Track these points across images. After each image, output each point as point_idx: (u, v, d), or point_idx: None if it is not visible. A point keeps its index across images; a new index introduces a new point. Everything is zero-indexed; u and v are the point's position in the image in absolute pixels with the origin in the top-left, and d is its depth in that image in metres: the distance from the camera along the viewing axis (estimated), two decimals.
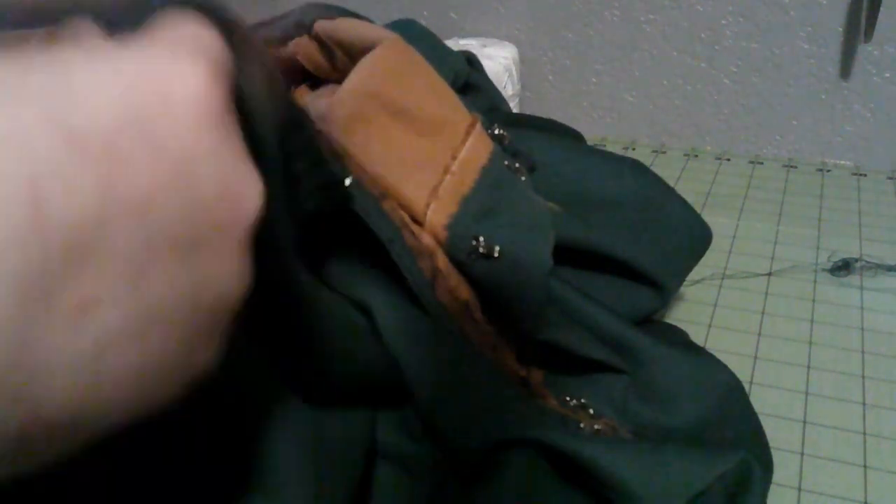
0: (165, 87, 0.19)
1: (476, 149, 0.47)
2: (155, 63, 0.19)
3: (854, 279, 0.71)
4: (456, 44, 1.04)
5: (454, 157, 0.45)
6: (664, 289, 0.55)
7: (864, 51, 0.92)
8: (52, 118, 0.16)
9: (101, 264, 0.16)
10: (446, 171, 0.44)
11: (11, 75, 0.16)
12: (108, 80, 0.18)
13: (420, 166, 0.43)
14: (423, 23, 1.13)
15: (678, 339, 0.57)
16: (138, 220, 0.17)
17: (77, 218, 0.16)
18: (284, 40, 0.52)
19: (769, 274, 0.73)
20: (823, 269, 0.73)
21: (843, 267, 0.72)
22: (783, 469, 0.51)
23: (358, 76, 0.43)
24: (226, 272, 0.20)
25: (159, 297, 0.18)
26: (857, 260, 0.72)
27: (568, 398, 0.44)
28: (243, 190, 0.20)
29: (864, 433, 0.54)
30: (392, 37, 0.47)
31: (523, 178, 0.49)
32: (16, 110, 0.16)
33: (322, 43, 0.51)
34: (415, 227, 0.41)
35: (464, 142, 0.46)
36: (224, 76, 0.21)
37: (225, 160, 0.20)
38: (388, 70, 0.45)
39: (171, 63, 0.19)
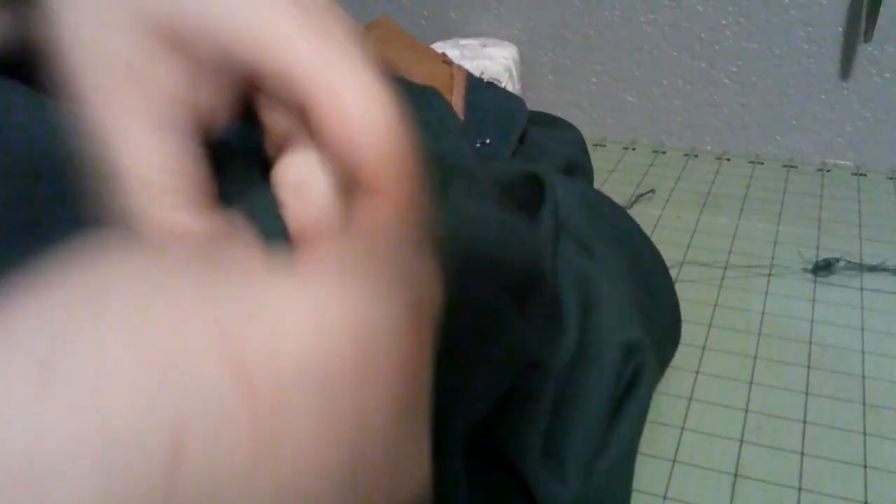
0: (359, 330, 0.15)
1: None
2: (348, 294, 0.15)
3: (854, 280, 0.71)
4: (456, 44, 1.04)
5: None
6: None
7: (864, 51, 0.92)
8: (224, 345, 0.14)
9: None
10: None
11: (193, 287, 0.14)
12: (298, 309, 0.15)
13: None
14: (423, 23, 1.14)
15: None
16: (289, 486, 0.14)
17: (219, 471, 0.13)
18: None
19: (724, 267, 0.73)
20: (805, 269, 0.73)
21: (825, 267, 0.72)
22: (783, 469, 0.51)
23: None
24: None
25: None
26: (838, 259, 0.72)
27: None
28: (411, 471, 0.17)
29: (864, 433, 0.54)
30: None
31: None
32: (187, 329, 0.13)
33: None
34: None
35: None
36: (430, 318, 0.17)
37: (402, 435, 0.16)
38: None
39: (369, 298, 0.15)
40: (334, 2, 0.20)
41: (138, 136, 0.19)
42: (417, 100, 0.49)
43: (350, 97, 0.18)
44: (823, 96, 0.96)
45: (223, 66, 0.20)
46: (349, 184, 0.19)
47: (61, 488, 0.12)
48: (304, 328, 0.14)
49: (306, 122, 0.19)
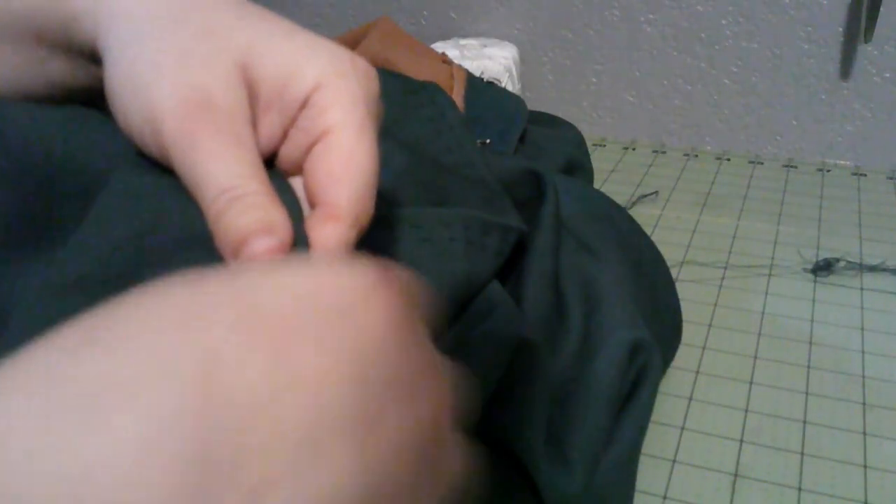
0: (350, 290, 0.19)
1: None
2: (341, 272, 0.20)
3: (854, 280, 0.71)
4: (456, 44, 1.04)
5: None
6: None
7: (864, 51, 0.92)
8: (236, 296, 0.17)
9: (272, 445, 0.16)
10: None
11: (207, 282, 0.18)
12: (294, 278, 0.19)
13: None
14: (423, 23, 1.14)
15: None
16: (310, 398, 0.16)
17: (246, 396, 0.16)
18: None
19: (724, 267, 0.73)
20: (805, 269, 0.73)
21: (825, 267, 0.72)
22: (783, 469, 0.51)
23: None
24: (415, 459, 0.19)
25: (335, 480, 0.17)
26: (838, 259, 0.72)
27: None
28: (429, 382, 0.20)
29: (864, 433, 0.54)
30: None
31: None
32: (202, 291, 0.17)
33: None
34: None
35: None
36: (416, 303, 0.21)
37: (410, 352, 0.19)
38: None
39: (359, 276, 0.20)
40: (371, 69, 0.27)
41: (218, 152, 0.24)
42: (418, 95, 0.49)
43: (358, 149, 0.25)
44: (823, 96, 0.96)
45: (279, 100, 0.26)
46: (314, 205, 0.25)
47: None
48: (299, 284, 0.19)
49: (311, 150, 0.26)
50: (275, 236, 0.23)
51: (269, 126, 0.26)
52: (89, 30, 0.27)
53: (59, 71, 0.30)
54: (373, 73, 0.27)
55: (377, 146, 0.26)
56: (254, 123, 0.25)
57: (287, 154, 0.27)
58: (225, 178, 0.24)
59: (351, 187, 0.25)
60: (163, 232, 0.25)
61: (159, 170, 0.26)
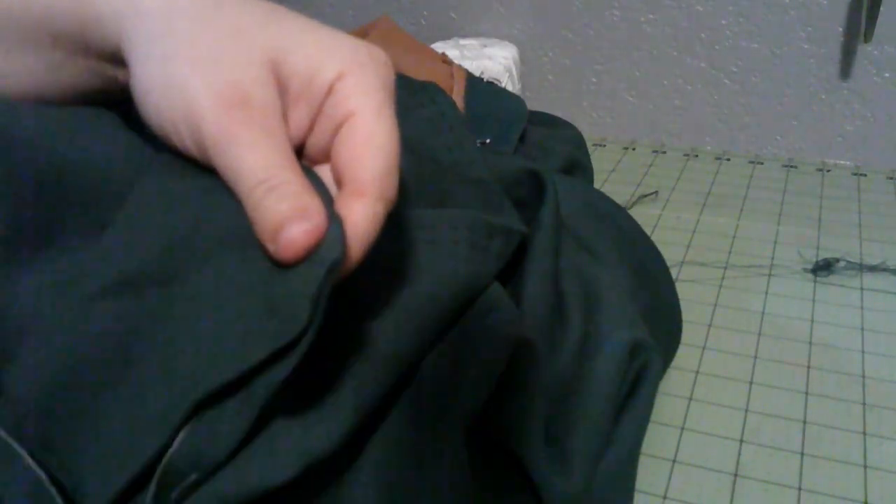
0: None
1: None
2: None
3: (854, 280, 0.71)
4: (456, 44, 1.04)
5: None
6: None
7: (864, 51, 0.92)
8: None
9: None
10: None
11: None
12: None
13: None
14: (423, 23, 1.14)
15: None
16: None
17: None
18: None
19: (724, 267, 0.73)
20: (805, 269, 0.73)
21: (825, 267, 0.72)
22: (783, 469, 0.51)
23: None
24: None
25: None
26: (838, 259, 0.72)
27: None
28: None
29: (864, 433, 0.54)
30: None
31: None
32: None
33: None
34: None
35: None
36: None
37: None
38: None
39: None
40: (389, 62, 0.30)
41: (255, 146, 0.26)
42: (418, 94, 0.49)
43: (378, 129, 0.27)
44: (823, 96, 0.96)
45: (307, 92, 0.28)
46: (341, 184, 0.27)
47: None
48: None
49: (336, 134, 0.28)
50: (310, 220, 0.24)
51: (298, 118, 0.28)
52: (112, 30, 0.28)
53: (73, 75, 0.30)
54: (389, 61, 0.29)
55: (397, 127, 0.28)
56: (285, 116, 0.27)
57: (314, 143, 0.29)
58: (262, 169, 0.25)
59: (374, 164, 0.26)
60: (204, 233, 0.27)
61: (189, 173, 0.28)
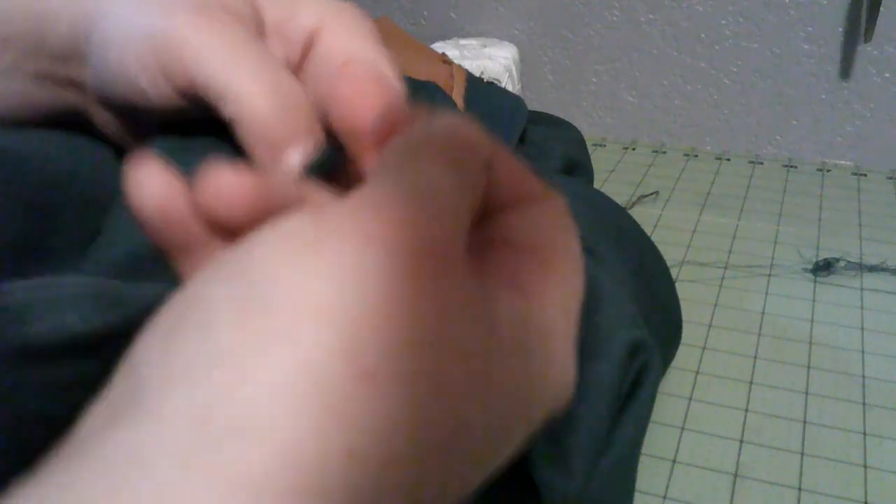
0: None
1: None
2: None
3: (854, 280, 0.71)
4: (456, 44, 1.04)
5: None
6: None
7: (864, 51, 0.92)
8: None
9: None
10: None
11: None
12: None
13: None
14: (423, 23, 1.14)
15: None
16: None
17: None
18: None
19: (724, 267, 0.73)
20: (805, 269, 0.73)
21: (825, 267, 0.72)
22: (783, 469, 0.51)
23: None
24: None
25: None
26: (838, 259, 0.72)
27: None
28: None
29: (864, 433, 0.54)
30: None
31: None
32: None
33: None
34: None
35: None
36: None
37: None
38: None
39: None
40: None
41: (241, 50, 0.24)
42: (418, 94, 0.49)
43: (378, 65, 0.26)
44: (823, 96, 0.96)
45: (279, 33, 0.26)
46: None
47: None
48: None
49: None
50: (314, 136, 0.23)
51: (274, 51, 0.26)
52: (69, 19, 0.26)
53: (24, 82, 0.29)
54: (365, 14, 0.27)
55: (395, 65, 0.26)
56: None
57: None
58: (257, 78, 0.23)
59: (382, 104, 0.23)
60: None
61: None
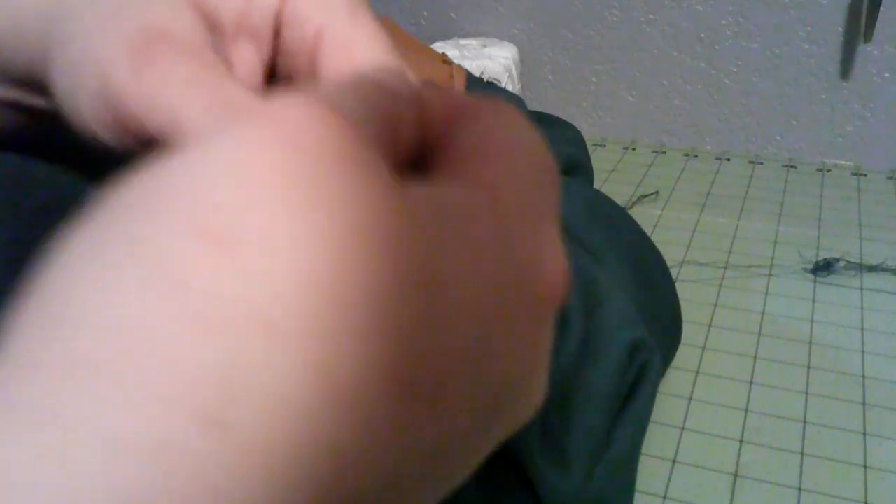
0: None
1: None
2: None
3: (854, 280, 0.71)
4: (456, 44, 1.04)
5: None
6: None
7: (864, 51, 0.92)
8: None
9: None
10: None
11: None
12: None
13: None
14: (423, 23, 1.14)
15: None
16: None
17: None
18: None
19: (724, 267, 0.73)
20: (805, 269, 0.73)
21: (825, 267, 0.72)
22: (783, 469, 0.51)
23: None
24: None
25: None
26: (838, 259, 0.72)
27: None
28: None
29: (864, 433, 0.54)
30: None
31: None
32: None
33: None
34: None
35: None
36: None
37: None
38: None
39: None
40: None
41: (190, 80, 0.21)
42: None
43: (358, 33, 0.22)
44: (823, 96, 0.96)
45: (246, 25, 0.23)
46: None
47: None
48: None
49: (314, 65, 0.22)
50: None
51: (245, 59, 0.23)
52: (35, 37, 0.24)
53: None
54: None
55: (380, 27, 0.23)
56: (225, 57, 0.22)
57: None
58: (205, 108, 0.20)
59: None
60: None
61: None
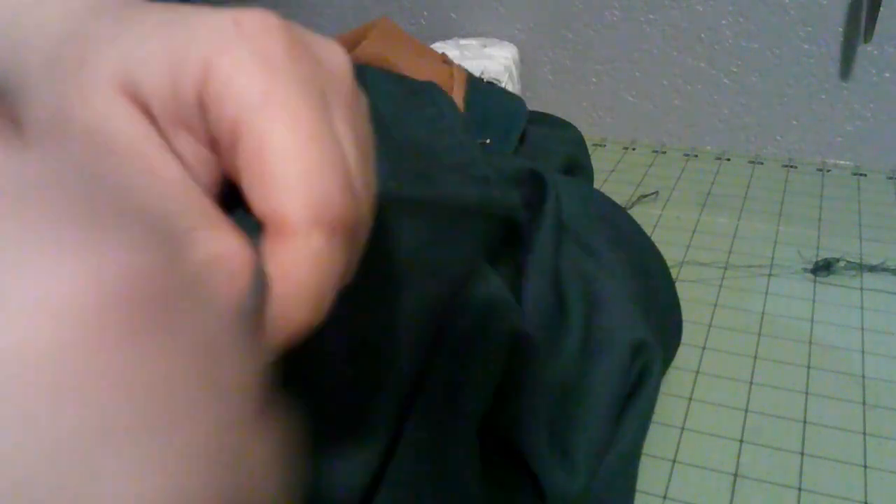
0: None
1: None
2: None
3: (854, 280, 0.71)
4: (456, 44, 1.04)
5: None
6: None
7: (864, 51, 0.92)
8: None
9: None
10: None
11: None
12: None
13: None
14: (423, 23, 1.14)
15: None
16: None
17: None
18: None
19: (724, 267, 0.73)
20: (805, 269, 0.73)
21: (825, 267, 0.72)
22: (783, 469, 0.51)
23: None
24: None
25: None
26: (838, 259, 0.72)
27: None
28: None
29: (864, 433, 0.54)
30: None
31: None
32: None
33: None
34: None
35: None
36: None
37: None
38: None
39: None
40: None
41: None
42: (419, 95, 0.49)
43: (279, 129, 0.18)
44: (823, 96, 0.96)
45: (176, 109, 0.19)
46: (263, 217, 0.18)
47: None
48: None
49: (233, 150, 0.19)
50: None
51: (189, 151, 0.20)
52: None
53: None
54: (276, 22, 0.19)
55: (322, 112, 0.19)
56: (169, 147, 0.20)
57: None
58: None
59: (287, 184, 0.18)
60: None
61: None
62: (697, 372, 0.60)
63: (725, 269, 0.74)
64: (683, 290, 0.64)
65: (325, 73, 0.20)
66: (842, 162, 0.98)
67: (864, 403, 0.56)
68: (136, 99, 0.19)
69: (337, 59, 0.20)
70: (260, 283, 0.18)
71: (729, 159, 1.00)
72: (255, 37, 0.19)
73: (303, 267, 0.18)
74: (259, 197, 0.18)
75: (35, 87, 0.21)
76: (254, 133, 0.18)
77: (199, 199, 0.19)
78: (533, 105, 1.10)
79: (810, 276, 0.72)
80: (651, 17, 1.00)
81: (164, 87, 0.19)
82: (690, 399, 0.58)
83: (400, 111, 0.46)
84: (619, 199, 0.74)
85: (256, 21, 0.19)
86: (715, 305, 0.68)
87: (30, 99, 0.21)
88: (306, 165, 0.18)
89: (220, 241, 0.18)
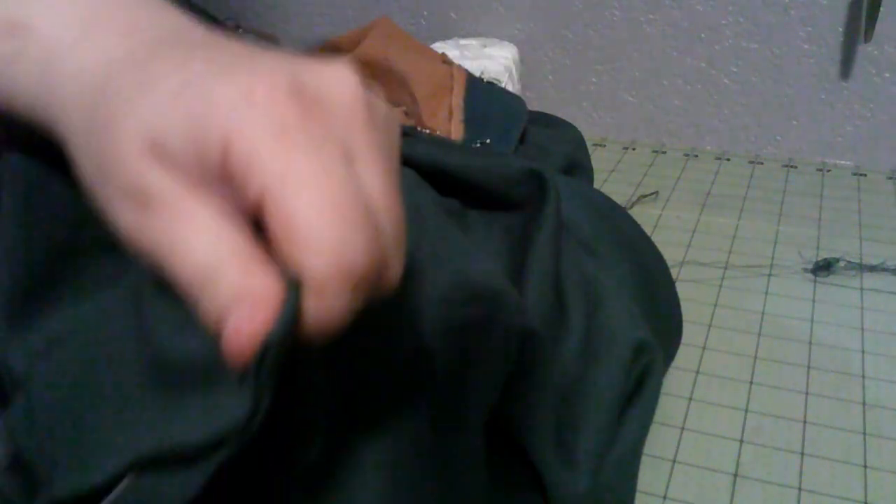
0: None
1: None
2: None
3: (854, 280, 0.71)
4: (456, 44, 1.04)
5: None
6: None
7: (864, 51, 0.92)
8: None
9: None
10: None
11: None
12: None
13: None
14: (423, 23, 1.14)
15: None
16: None
17: None
18: None
19: (724, 267, 0.73)
20: (805, 269, 0.73)
21: (825, 267, 0.72)
22: (783, 469, 0.51)
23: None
24: None
25: None
26: (838, 259, 0.72)
27: None
28: None
29: (864, 433, 0.54)
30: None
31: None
32: None
33: None
34: None
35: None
36: None
37: None
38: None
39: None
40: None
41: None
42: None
43: (300, 206, 0.19)
44: (823, 96, 0.96)
45: (200, 172, 0.20)
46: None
47: None
48: None
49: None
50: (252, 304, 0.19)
51: (214, 199, 0.21)
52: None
53: None
54: (284, 90, 0.20)
55: (343, 170, 0.20)
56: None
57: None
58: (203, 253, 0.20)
59: (319, 250, 0.19)
60: None
61: None
62: (697, 372, 0.60)
63: (725, 269, 0.74)
64: (683, 290, 0.64)
65: (340, 120, 0.21)
66: (842, 162, 0.98)
67: (864, 403, 0.57)
68: (164, 159, 0.20)
69: (345, 89, 0.21)
70: (290, 316, 0.19)
71: (729, 159, 1.00)
72: (268, 106, 0.19)
73: (325, 316, 0.19)
74: (288, 254, 0.19)
75: (78, 134, 0.23)
76: (279, 207, 0.19)
77: (230, 239, 0.20)
78: (533, 105, 1.10)
79: (810, 276, 0.72)
80: (651, 17, 1.00)
81: (188, 155, 0.20)
82: (690, 399, 0.58)
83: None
84: (619, 199, 0.74)
85: (267, 88, 0.20)
86: (715, 305, 0.68)
87: (77, 144, 0.23)
88: (330, 233, 0.19)
89: (251, 277, 0.19)
